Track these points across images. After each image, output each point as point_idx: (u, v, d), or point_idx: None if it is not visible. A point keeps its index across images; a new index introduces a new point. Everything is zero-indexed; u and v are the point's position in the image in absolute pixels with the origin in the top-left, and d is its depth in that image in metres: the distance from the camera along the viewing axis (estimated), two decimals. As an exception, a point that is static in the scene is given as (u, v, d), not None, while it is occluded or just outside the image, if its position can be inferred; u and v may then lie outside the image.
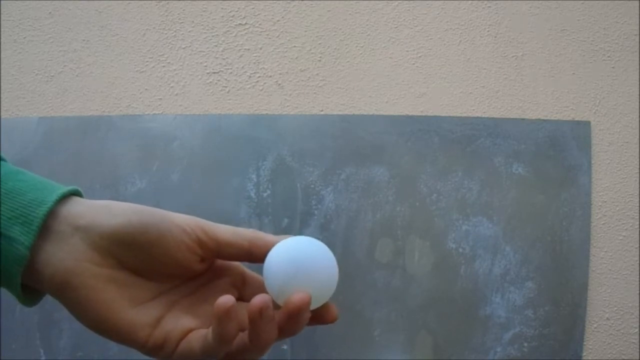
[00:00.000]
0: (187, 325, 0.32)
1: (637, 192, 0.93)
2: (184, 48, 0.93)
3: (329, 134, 0.91)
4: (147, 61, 0.93)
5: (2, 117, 0.91)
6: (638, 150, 0.93)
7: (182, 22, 0.93)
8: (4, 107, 0.92)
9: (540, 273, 0.91)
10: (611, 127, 0.94)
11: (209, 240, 0.32)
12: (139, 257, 0.31)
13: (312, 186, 0.90)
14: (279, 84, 0.93)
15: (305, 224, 0.89)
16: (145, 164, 0.90)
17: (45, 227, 0.30)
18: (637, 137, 0.94)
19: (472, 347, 0.90)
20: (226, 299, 0.29)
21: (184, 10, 0.93)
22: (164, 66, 0.93)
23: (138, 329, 0.31)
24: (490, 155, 0.91)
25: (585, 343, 0.92)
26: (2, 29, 0.93)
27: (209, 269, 0.35)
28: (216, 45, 0.93)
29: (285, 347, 0.89)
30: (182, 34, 0.93)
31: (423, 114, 0.93)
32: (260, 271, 0.34)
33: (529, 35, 0.94)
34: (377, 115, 0.92)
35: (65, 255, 0.30)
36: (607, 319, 0.93)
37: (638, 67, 0.94)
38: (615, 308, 0.93)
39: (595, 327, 0.93)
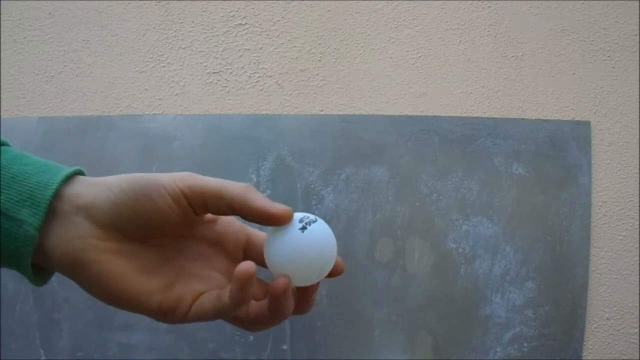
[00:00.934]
0: (198, 289, 0.34)
1: (637, 192, 0.93)
2: (184, 48, 0.93)
3: (329, 134, 0.91)
4: (147, 61, 0.93)
5: (2, 117, 0.91)
6: (638, 150, 0.93)
7: (182, 22, 0.93)
8: (4, 107, 0.92)
9: (540, 273, 0.91)
10: (611, 127, 0.94)
11: (195, 195, 0.33)
12: (139, 225, 0.32)
13: (312, 186, 0.90)
14: (279, 84, 0.93)
15: (305, 224, 0.89)
16: (145, 164, 0.90)
17: (52, 208, 0.31)
18: (637, 137, 0.94)
19: (472, 347, 0.90)
20: (248, 265, 0.31)
21: (184, 10, 0.93)
22: (164, 66, 0.93)
23: (150, 294, 0.32)
24: (490, 155, 0.91)
25: (585, 343, 0.92)
26: (2, 29, 0.93)
27: (213, 230, 0.36)
28: (216, 45, 0.93)
29: (285, 347, 0.89)
30: (182, 34, 0.93)
31: (423, 114, 0.93)
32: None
33: (529, 35, 0.94)
34: (377, 115, 0.92)
35: (71, 234, 0.31)
36: (607, 319, 0.93)
37: (638, 67, 0.94)
38: (615, 308, 0.93)
39: (595, 327, 0.93)
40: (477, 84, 0.94)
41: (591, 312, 0.92)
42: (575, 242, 0.91)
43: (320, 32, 0.93)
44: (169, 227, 0.33)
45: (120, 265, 0.32)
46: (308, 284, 0.34)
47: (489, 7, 0.94)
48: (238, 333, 0.89)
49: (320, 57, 0.93)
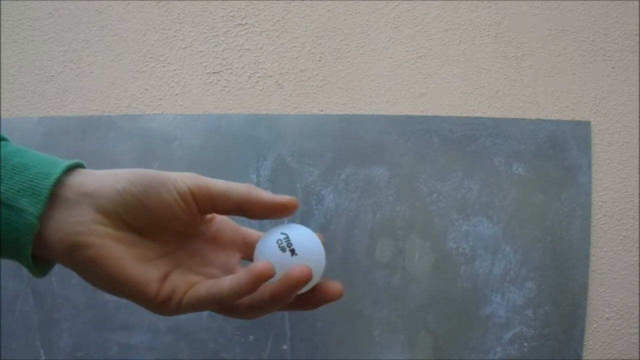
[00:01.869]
0: (194, 280, 0.34)
1: (637, 192, 0.93)
2: (184, 48, 0.93)
3: (329, 134, 0.91)
4: (147, 61, 0.93)
5: (2, 117, 0.91)
6: (638, 150, 0.93)
7: (182, 22, 0.93)
8: (4, 107, 0.92)
9: (540, 273, 0.91)
10: (611, 127, 0.94)
11: (202, 195, 0.33)
12: (143, 217, 0.33)
13: (312, 186, 0.90)
14: (279, 84, 0.93)
15: (305, 224, 0.89)
16: (145, 164, 0.90)
17: (54, 196, 0.32)
18: (637, 137, 0.94)
19: (472, 347, 0.90)
20: (269, 267, 0.31)
21: (184, 10, 0.93)
22: (164, 66, 0.93)
23: (148, 283, 0.33)
24: (490, 155, 0.91)
25: (585, 343, 0.92)
26: (2, 29, 0.93)
27: (210, 229, 0.37)
28: (216, 45, 0.93)
29: (285, 347, 0.89)
30: (182, 34, 0.93)
31: (423, 114, 0.93)
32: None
33: (529, 35, 0.94)
34: (377, 115, 0.92)
35: (73, 219, 0.31)
36: (607, 319, 0.93)
37: (638, 67, 0.94)
38: (615, 308, 0.93)
39: (595, 327, 0.93)
40: (477, 84, 0.94)
41: (591, 312, 0.92)
42: (575, 242, 0.91)
43: (320, 32, 0.93)
44: (172, 223, 0.34)
45: (119, 251, 0.32)
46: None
47: (489, 7, 0.94)
48: (238, 333, 0.89)
49: (320, 57, 0.93)
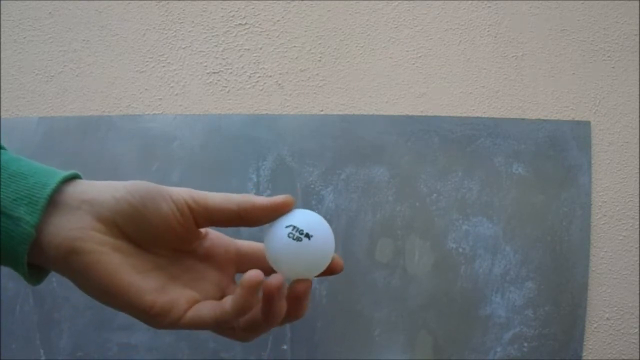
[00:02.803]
0: (192, 296, 0.34)
1: (637, 192, 0.93)
2: (184, 48, 0.93)
3: (329, 134, 0.91)
4: (147, 61, 0.93)
5: (2, 117, 0.91)
6: (638, 150, 0.93)
7: (182, 22, 0.93)
8: (4, 107, 0.92)
9: (540, 273, 0.91)
10: (611, 127, 0.94)
11: (199, 208, 0.33)
12: (140, 227, 0.33)
13: (312, 186, 0.90)
14: (279, 84, 0.93)
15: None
16: (145, 164, 0.90)
17: (52, 203, 0.32)
18: (637, 137, 0.94)
19: (472, 347, 0.90)
20: (257, 274, 0.32)
21: (184, 10, 0.93)
22: (164, 66, 0.93)
23: (144, 293, 0.32)
24: (490, 155, 0.91)
25: (585, 343, 0.92)
26: (2, 29, 0.93)
27: (203, 245, 0.37)
28: (216, 45, 0.93)
29: (285, 347, 0.89)
30: (182, 34, 0.93)
31: (423, 114, 0.93)
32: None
33: (529, 35, 0.94)
34: (377, 115, 0.92)
35: (72, 225, 0.31)
36: (607, 319, 0.93)
37: (638, 67, 0.94)
38: (615, 308, 0.93)
39: (595, 327, 0.93)
40: (477, 84, 0.94)
41: (591, 312, 0.92)
42: (575, 242, 0.91)
43: (320, 32, 0.93)
44: (168, 236, 0.34)
45: (116, 260, 0.32)
46: (313, 274, 0.34)
47: (489, 7, 0.94)
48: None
49: (320, 57, 0.93)
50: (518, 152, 0.92)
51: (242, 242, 0.38)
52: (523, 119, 0.93)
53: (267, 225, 0.35)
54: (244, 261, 0.38)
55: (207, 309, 0.33)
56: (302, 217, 0.34)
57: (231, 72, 0.93)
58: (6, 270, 0.89)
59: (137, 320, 0.34)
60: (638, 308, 0.93)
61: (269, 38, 0.93)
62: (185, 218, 0.33)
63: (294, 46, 0.93)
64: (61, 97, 0.93)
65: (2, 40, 0.93)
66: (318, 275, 0.35)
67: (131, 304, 0.32)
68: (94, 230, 0.32)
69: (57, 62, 0.93)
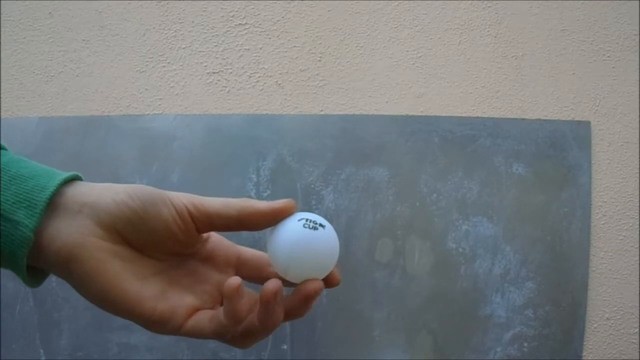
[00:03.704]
0: (192, 303, 0.34)
1: (637, 192, 0.93)
2: (184, 48, 0.93)
3: (329, 134, 0.91)
4: (147, 61, 0.93)
5: (2, 117, 0.91)
6: (638, 150, 0.93)
7: (182, 22, 0.93)
8: (4, 107, 0.92)
9: (540, 273, 0.91)
10: (611, 127, 0.94)
11: (199, 213, 0.33)
12: (140, 232, 0.33)
13: (312, 186, 0.90)
14: (279, 84, 0.93)
15: (305, 224, 0.89)
16: (145, 164, 0.90)
17: (52, 205, 0.31)
18: (637, 137, 0.94)
19: (472, 347, 0.90)
20: (234, 280, 0.31)
21: (184, 10, 0.93)
22: (164, 66, 0.93)
23: (144, 300, 0.32)
24: (490, 155, 0.91)
25: (585, 343, 0.92)
26: (2, 29, 0.93)
27: (205, 248, 0.37)
28: (216, 45, 0.93)
29: (285, 347, 0.89)
30: (182, 34, 0.93)
31: (423, 114, 0.93)
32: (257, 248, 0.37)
33: (529, 35, 0.94)
34: (377, 115, 0.92)
35: (72, 230, 0.31)
36: (607, 319, 0.93)
37: (638, 67, 0.94)
38: (615, 308, 0.93)
39: (595, 327, 0.93)
40: (477, 84, 0.94)
41: (591, 312, 0.92)
42: (575, 242, 0.91)
43: (320, 32, 0.93)
44: (168, 240, 0.34)
45: (116, 267, 0.32)
46: (311, 275, 0.34)
47: (489, 7, 0.94)
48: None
49: (320, 57, 0.93)
50: (518, 152, 0.92)
51: (244, 248, 0.38)
52: (523, 119, 0.93)
53: (271, 229, 0.34)
54: (244, 267, 0.38)
55: (206, 320, 0.34)
56: (307, 214, 0.34)
57: (231, 72, 0.93)
58: (6, 270, 0.89)
59: (137, 323, 0.34)
60: (638, 308, 0.93)
61: (269, 38, 0.93)
62: (186, 223, 0.33)
63: (294, 46, 0.93)
64: (61, 97, 0.93)
65: (2, 40, 0.93)
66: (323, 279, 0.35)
67: (130, 311, 0.32)
68: (93, 235, 0.31)
69: (57, 62, 0.93)
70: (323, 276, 0.34)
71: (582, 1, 0.94)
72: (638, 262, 0.93)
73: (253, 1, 0.93)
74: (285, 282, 0.34)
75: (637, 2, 0.94)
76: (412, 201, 0.91)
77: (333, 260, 0.34)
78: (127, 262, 0.33)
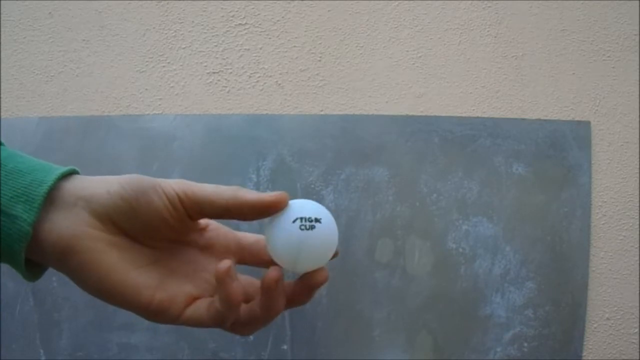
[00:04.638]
0: (190, 291, 0.35)
1: (637, 192, 0.93)
2: (184, 48, 0.93)
3: (329, 134, 0.91)
4: (147, 61, 0.93)
5: (2, 117, 0.91)
6: (638, 150, 0.93)
7: (182, 22, 0.93)
8: (4, 107, 0.92)
9: (540, 273, 0.91)
10: (611, 127, 0.94)
11: (189, 200, 0.33)
12: (134, 221, 0.33)
13: (312, 186, 0.90)
14: (279, 84, 0.93)
15: (305, 224, 0.89)
16: (145, 164, 0.90)
17: (49, 199, 0.32)
18: (637, 137, 0.94)
19: (472, 347, 0.90)
20: (224, 263, 0.32)
21: (184, 10, 0.93)
22: (164, 66, 0.93)
23: (142, 289, 0.33)
24: (490, 155, 0.91)
25: (585, 343, 0.92)
26: (2, 29, 0.93)
27: (204, 236, 0.37)
28: (216, 45, 0.93)
29: (285, 347, 0.89)
30: (182, 34, 0.93)
31: (423, 114, 0.93)
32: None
33: (529, 35, 0.94)
34: (377, 115, 0.92)
35: (68, 222, 0.32)
36: (607, 319, 0.93)
37: (638, 67, 0.94)
38: (615, 308, 0.93)
39: (595, 327, 0.93)
40: (477, 84, 0.94)
41: (591, 312, 0.92)
42: (575, 242, 0.91)
43: (320, 32, 0.93)
44: (163, 228, 0.34)
45: (113, 257, 0.32)
46: (314, 267, 0.34)
47: (489, 7, 0.94)
48: (238, 333, 0.89)
49: (320, 57, 0.93)
50: (518, 152, 0.92)
51: (243, 234, 0.38)
52: (523, 119, 0.93)
53: (269, 223, 0.34)
54: (245, 253, 0.38)
55: (204, 308, 0.34)
56: (302, 207, 0.34)
57: (231, 72, 0.93)
58: (6, 269, 0.89)
59: (137, 319, 0.34)
60: (638, 308, 0.93)
61: (269, 38, 0.93)
62: (177, 211, 0.33)
63: (294, 46, 0.93)
64: (61, 97, 0.93)
65: (2, 40, 0.93)
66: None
67: (129, 301, 0.32)
68: (89, 226, 0.32)
69: (57, 62, 0.93)
70: (325, 264, 0.34)
71: (582, 1, 0.94)
72: (638, 262, 0.93)
73: (253, 1, 0.93)
74: None
75: (637, 2, 0.94)
76: (412, 201, 0.91)
77: (333, 249, 0.34)
78: (124, 252, 0.33)
